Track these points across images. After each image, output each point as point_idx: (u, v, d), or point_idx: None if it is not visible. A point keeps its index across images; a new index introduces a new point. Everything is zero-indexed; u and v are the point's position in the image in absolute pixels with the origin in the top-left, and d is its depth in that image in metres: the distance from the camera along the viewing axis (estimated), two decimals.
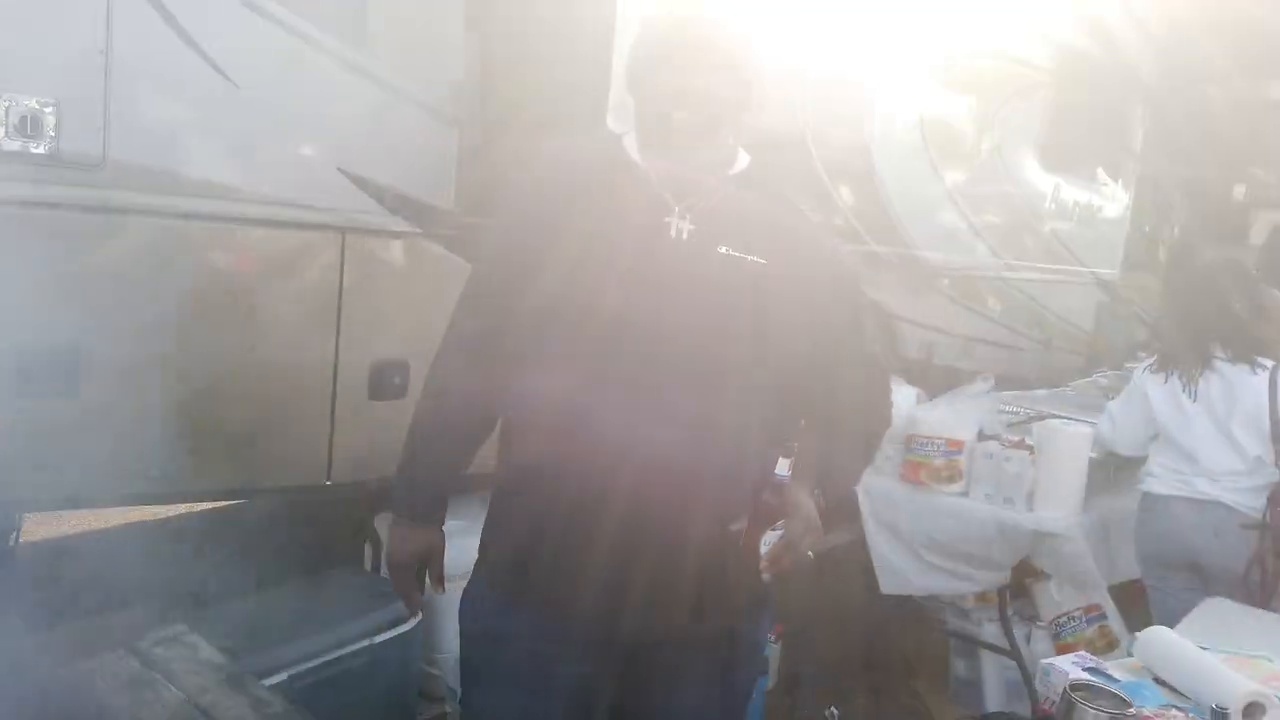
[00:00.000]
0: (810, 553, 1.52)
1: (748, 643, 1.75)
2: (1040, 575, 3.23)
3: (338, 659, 2.52)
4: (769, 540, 1.52)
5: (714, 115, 1.53)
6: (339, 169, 2.63)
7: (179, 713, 1.38)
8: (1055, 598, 3.30)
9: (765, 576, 1.52)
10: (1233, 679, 1.67)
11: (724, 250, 1.54)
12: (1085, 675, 1.70)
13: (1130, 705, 1.58)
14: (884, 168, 4.47)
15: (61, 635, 2.08)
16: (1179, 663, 1.77)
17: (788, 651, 3.42)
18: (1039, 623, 3.34)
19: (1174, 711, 1.66)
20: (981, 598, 3.41)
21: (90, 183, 2.23)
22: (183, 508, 3.24)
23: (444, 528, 1.80)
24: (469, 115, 2.92)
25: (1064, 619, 3.28)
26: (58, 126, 2.14)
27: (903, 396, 3.32)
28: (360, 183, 2.67)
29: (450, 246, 2.86)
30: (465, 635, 1.74)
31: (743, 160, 1.64)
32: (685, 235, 1.55)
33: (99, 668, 1.52)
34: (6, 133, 2.09)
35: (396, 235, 2.80)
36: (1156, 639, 1.87)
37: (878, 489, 3.37)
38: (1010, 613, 3.25)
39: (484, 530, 1.75)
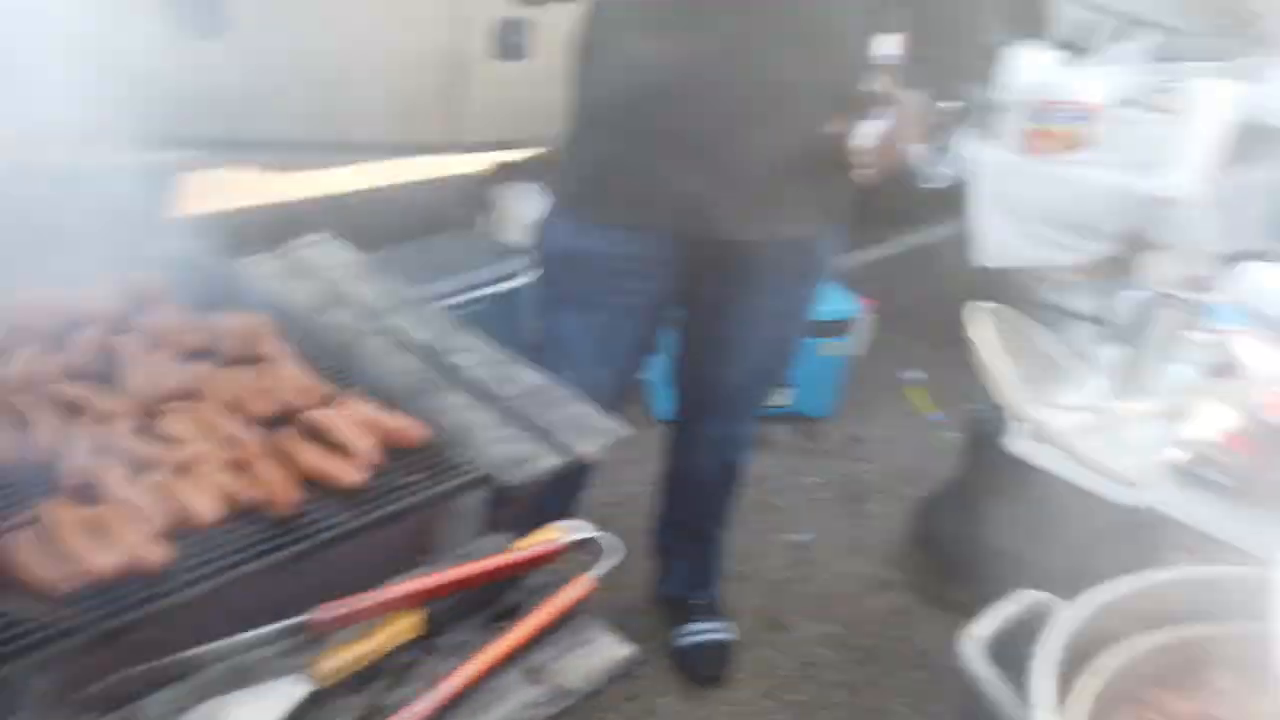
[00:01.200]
0: (919, 144, 1.50)
1: (819, 255, 1.80)
2: (1149, 246, 3.12)
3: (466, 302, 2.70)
4: (869, 133, 1.48)
5: None
6: None
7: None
8: (1162, 270, 3.21)
9: (868, 170, 1.51)
10: None
11: None
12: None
13: None
14: None
15: None
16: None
17: (878, 321, 3.49)
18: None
19: None
20: (1081, 273, 3.34)
21: None
22: None
23: None
24: None
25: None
26: None
27: (1040, 60, 3.09)
28: None
29: None
30: (545, 259, 1.83)
31: None
32: None
33: None
34: None
35: None
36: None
37: (994, 160, 3.23)
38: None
39: (562, 160, 1.77)
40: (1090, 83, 2.94)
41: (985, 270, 3.51)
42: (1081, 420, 1.70)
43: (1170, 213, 2.95)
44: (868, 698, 2.31)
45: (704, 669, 2.30)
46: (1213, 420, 1.60)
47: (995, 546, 1.64)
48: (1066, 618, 0.85)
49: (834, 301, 3.18)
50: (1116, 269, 3.29)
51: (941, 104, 1.62)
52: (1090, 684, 0.82)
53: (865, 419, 3.44)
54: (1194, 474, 1.55)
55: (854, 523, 2.94)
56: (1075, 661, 0.85)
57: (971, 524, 2.01)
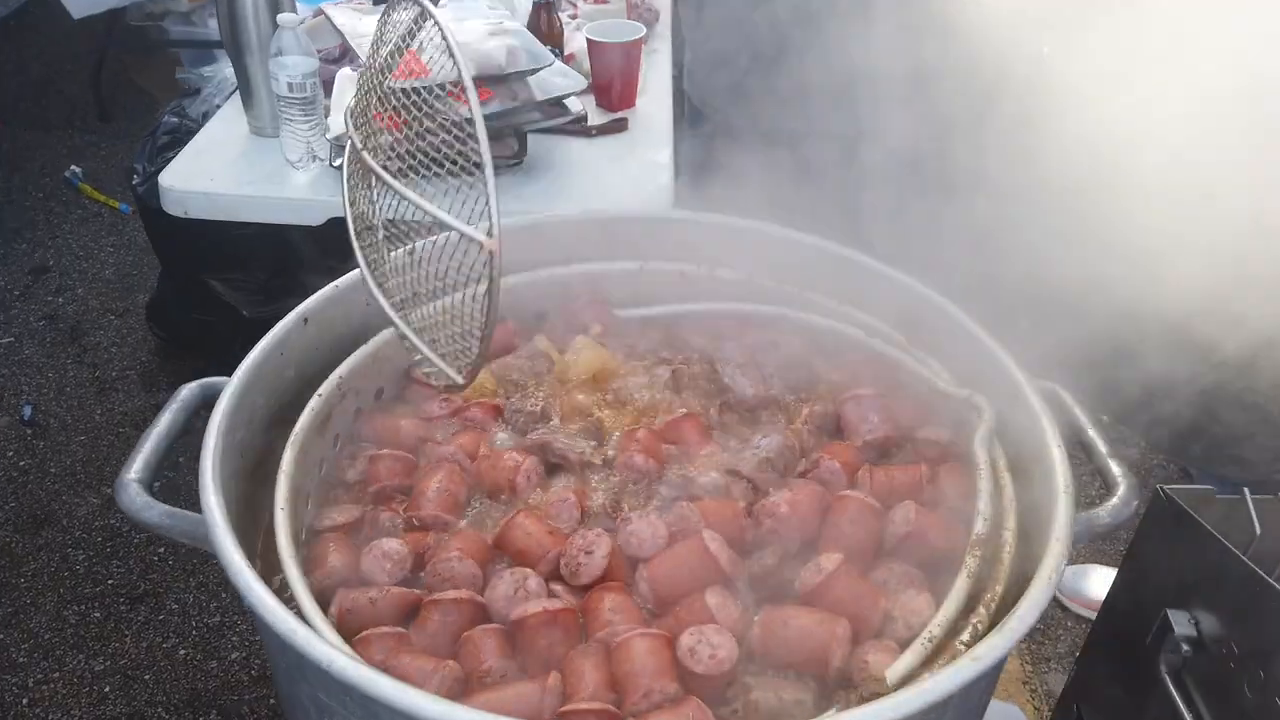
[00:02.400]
0: None
1: None
2: None
3: None
4: None
5: None
6: None
7: None
8: None
9: None
10: None
11: None
12: None
13: None
14: None
15: None
16: None
17: None
18: None
19: None
20: None
21: None
22: None
23: None
24: None
25: None
26: None
27: None
28: None
29: None
30: None
31: None
32: None
33: None
34: None
35: None
36: None
37: None
38: None
39: None
40: None
41: (89, 21, 2.99)
42: None
43: None
44: None
45: None
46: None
47: None
48: (229, 400, 0.68)
49: None
50: None
51: None
52: (287, 463, 0.68)
53: (41, 244, 2.83)
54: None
55: (81, 363, 2.48)
56: (261, 447, 0.70)
57: None
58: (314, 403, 0.74)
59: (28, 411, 2.34)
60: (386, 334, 0.80)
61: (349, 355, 0.80)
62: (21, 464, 2.22)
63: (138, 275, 2.71)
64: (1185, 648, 0.78)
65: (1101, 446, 0.69)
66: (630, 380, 0.78)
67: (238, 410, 0.69)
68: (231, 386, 0.69)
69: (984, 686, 0.55)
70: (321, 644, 0.52)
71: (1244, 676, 0.73)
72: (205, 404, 0.72)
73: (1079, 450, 0.71)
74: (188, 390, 0.73)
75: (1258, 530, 0.84)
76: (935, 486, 0.70)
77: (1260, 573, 0.72)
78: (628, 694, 0.56)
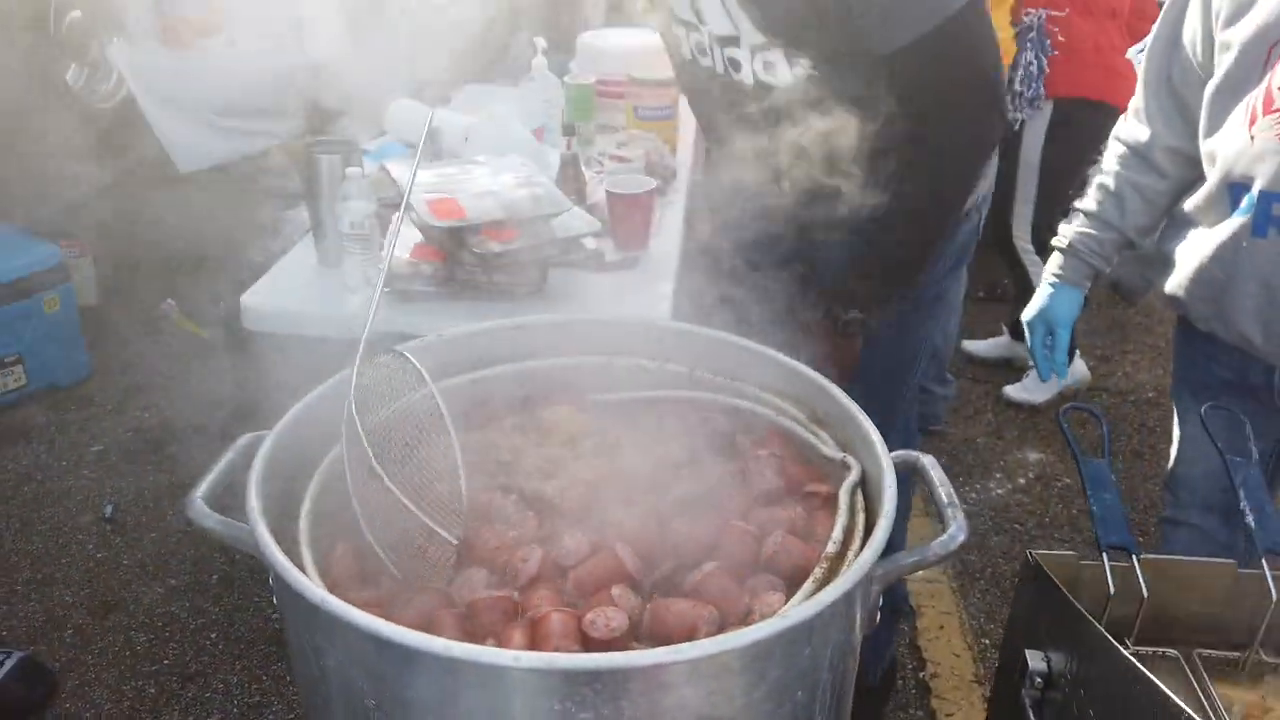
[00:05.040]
0: None
1: None
2: (333, 112, 3.32)
3: None
4: None
5: None
6: None
7: None
8: (353, 130, 3.46)
9: None
10: None
11: None
12: None
13: None
14: None
15: None
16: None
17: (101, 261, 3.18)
18: None
19: None
20: (285, 149, 3.44)
21: None
22: None
23: None
24: None
25: None
26: None
27: None
28: None
29: None
30: None
31: None
32: None
33: None
34: None
35: None
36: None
37: (140, 63, 3.06)
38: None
39: None
40: None
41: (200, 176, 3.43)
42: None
43: (331, 77, 3.15)
44: None
45: None
46: (402, 242, 1.81)
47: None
48: (270, 442, 0.91)
49: (27, 253, 2.81)
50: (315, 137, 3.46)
51: None
52: (311, 489, 0.91)
53: (134, 365, 3.19)
54: (401, 289, 1.75)
55: (160, 469, 2.77)
56: (297, 477, 0.93)
57: None
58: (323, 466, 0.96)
59: (109, 510, 2.62)
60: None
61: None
62: (99, 556, 2.47)
63: (215, 394, 3.03)
64: (1039, 681, 0.93)
65: (943, 498, 0.88)
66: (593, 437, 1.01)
67: (275, 452, 0.93)
68: (269, 440, 0.93)
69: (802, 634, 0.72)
70: (314, 587, 0.73)
71: (1086, 710, 0.89)
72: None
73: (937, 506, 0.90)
74: (245, 439, 0.96)
75: (1111, 591, 1.00)
76: (809, 523, 0.89)
77: (1094, 622, 0.88)
78: (541, 650, 0.75)
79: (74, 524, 2.53)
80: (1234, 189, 1.34)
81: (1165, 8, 1.48)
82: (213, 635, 2.22)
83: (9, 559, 2.41)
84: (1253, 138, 1.28)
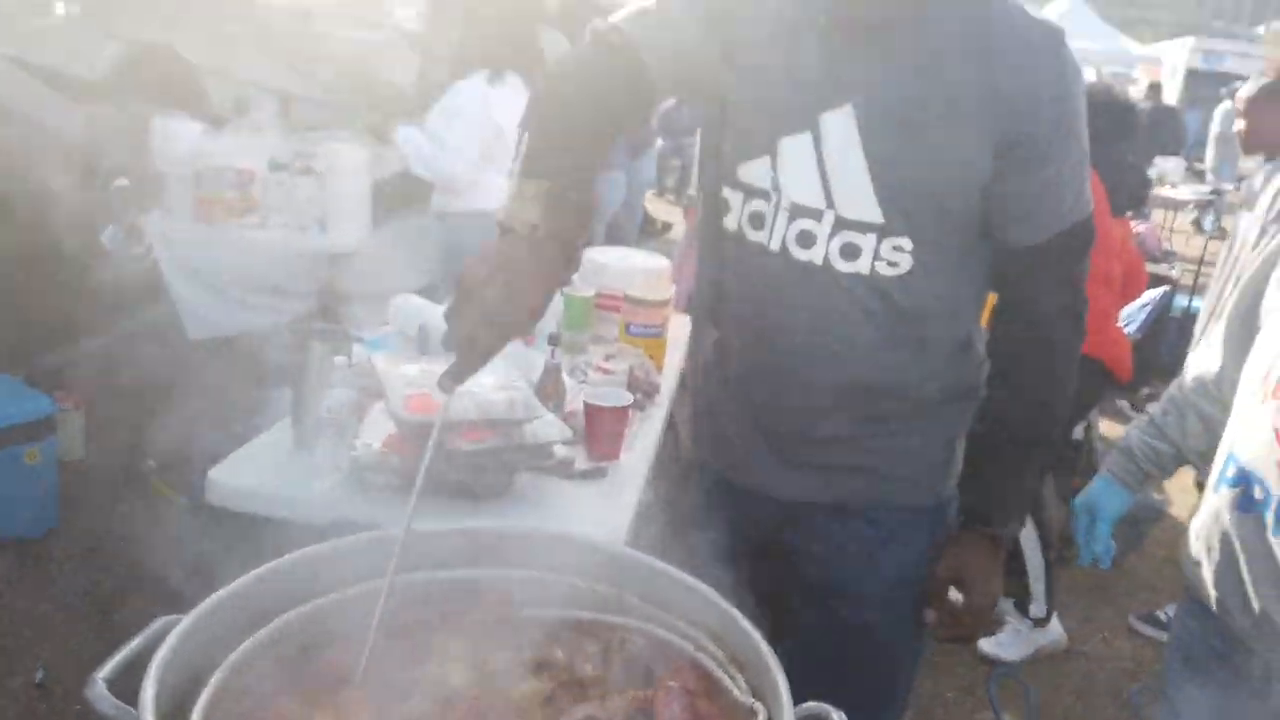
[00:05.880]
0: None
1: None
2: (341, 295, 3.47)
3: None
4: None
5: None
6: None
7: None
8: (361, 316, 3.60)
9: None
10: None
11: None
12: None
13: None
14: None
15: None
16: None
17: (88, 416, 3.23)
18: None
19: None
20: (289, 332, 3.56)
21: None
22: None
23: None
24: None
25: None
26: None
27: (186, 130, 3.18)
28: None
29: None
30: None
31: None
32: None
33: None
34: None
35: None
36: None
37: (174, 234, 3.24)
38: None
39: None
40: (243, 149, 3.15)
41: (205, 344, 3.54)
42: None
43: (349, 264, 3.32)
44: None
45: None
46: (376, 431, 1.85)
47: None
48: (179, 630, 0.90)
49: (18, 404, 2.86)
50: (321, 320, 3.59)
51: None
52: (206, 696, 0.88)
53: (102, 524, 3.16)
54: (367, 480, 1.77)
55: (101, 637, 2.68)
56: (196, 671, 0.91)
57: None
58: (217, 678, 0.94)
59: (40, 675, 2.52)
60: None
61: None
62: None
63: (172, 565, 2.99)
64: None
65: None
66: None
67: (183, 641, 0.92)
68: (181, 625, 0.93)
69: None
70: None
71: None
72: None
73: None
74: (159, 622, 0.96)
75: None
76: None
77: None
78: None
79: (1, 686, 2.44)
80: (1230, 456, 1.35)
81: (1270, 249, 1.47)
82: None
83: None
84: (1259, 417, 1.29)
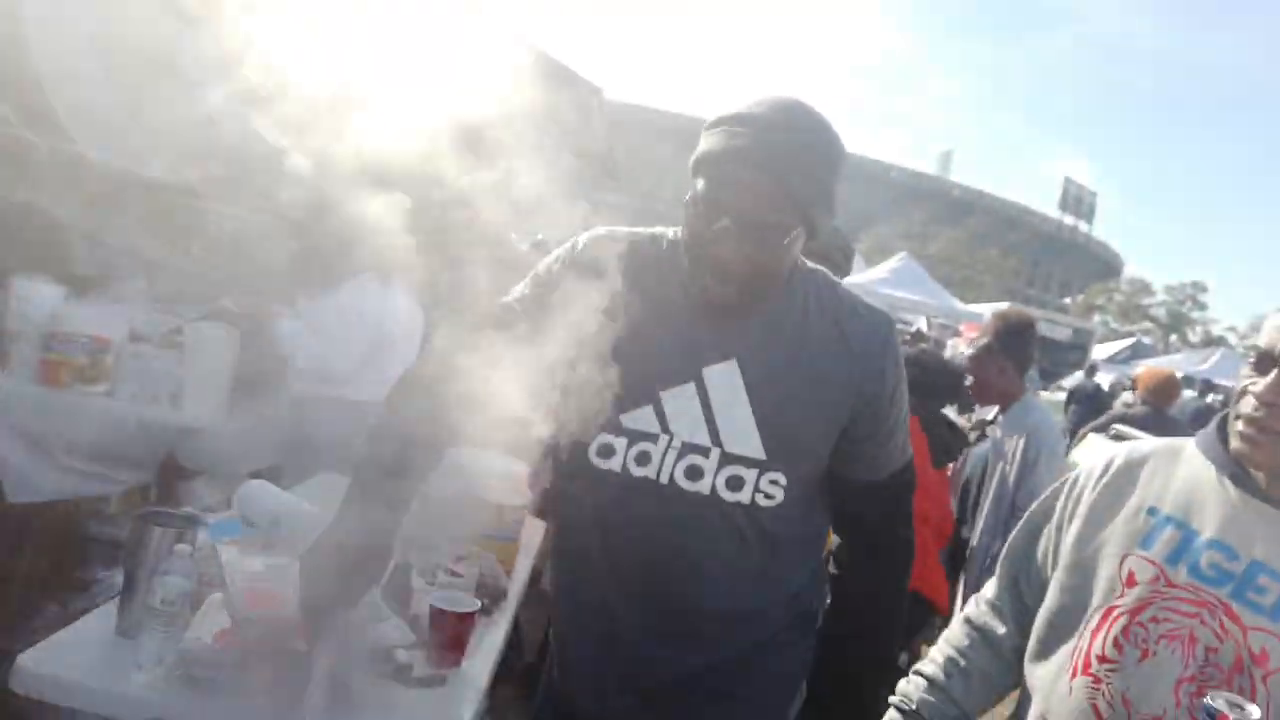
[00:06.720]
0: None
1: None
2: (187, 472, 3.34)
3: None
4: None
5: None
6: None
7: None
8: (202, 494, 3.45)
9: None
10: None
11: None
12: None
13: None
14: None
15: None
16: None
17: None
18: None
19: None
20: (125, 500, 3.38)
21: None
22: None
23: None
24: None
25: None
26: None
27: (45, 292, 3.11)
28: None
29: None
30: None
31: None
32: None
33: None
34: None
35: None
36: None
37: (11, 391, 3.09)
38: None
39: None
40: (103, 318, 3.09)
41: (21, 507, 3.28)
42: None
43: (196, 441, 3.22)
44: None
45: None
46: (209, 624, 1.77)
47: None
48: None
49: None
50: (156, 495, 3.42)
51: None
52: None
53: None
54: (193, 676, 1.68)
55: None
56: None
57: None
58: None
59: None
60: None
61: None
62: None
63: None
64: None
65: None
66: None
67: None
68: None
69: None
70: None
71: None
72: None
73: None
74: None
75: None
76: None
77: None
78: None
79: None
80: None
81: (1029, 513, 1.55)
82: None
83: None
84: (1071, 690, 1.34)
